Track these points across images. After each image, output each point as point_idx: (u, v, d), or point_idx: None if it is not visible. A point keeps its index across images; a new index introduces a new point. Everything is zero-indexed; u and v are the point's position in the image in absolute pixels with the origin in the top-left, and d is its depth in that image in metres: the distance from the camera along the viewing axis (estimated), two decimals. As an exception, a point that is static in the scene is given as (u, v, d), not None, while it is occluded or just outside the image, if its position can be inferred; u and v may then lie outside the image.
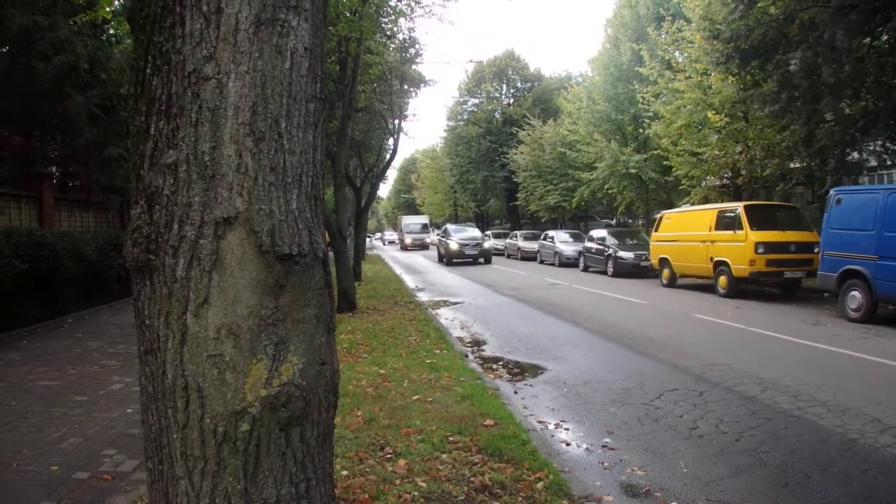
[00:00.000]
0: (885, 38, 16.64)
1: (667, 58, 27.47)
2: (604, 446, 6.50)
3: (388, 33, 20.70)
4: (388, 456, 5.76)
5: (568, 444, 6.61)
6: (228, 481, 2.26)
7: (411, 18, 22.39)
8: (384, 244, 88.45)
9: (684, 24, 24.98)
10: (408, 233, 63.50)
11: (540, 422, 7.30)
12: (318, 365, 2.40)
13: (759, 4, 18.40)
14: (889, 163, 19.65)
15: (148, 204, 2.30)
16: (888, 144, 18.13)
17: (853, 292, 13.39)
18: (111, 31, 17.73)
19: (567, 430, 7.08)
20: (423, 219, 69.90)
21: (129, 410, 7.23)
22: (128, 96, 2.42)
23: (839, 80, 15.88)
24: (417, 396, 7.75)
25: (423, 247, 60.48)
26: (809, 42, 15.28)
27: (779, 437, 6.62)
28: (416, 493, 4.91)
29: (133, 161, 2.40)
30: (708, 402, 7.90)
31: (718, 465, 5.92)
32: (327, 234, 17.58)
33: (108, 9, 6.92)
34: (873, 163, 20.12)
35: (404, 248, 62.31)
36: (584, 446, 6.56)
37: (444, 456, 5.77)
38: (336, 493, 4.65)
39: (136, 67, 2.38)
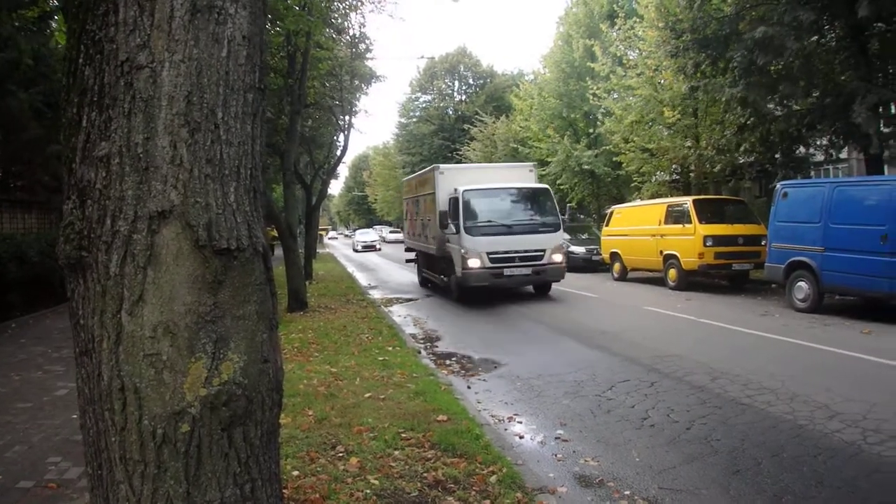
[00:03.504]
0: (832, 35, 17.08)
1: (618, 55, 27.76)
2: (557, 438, 6.53)
3: (339, 28, 20.58)
4: (340, 454, 5.70)
5: (521, 437, 6.62)
6: (170, 484, 2.19)
7: (361, 14, 22.31)
8: (357, 249, 53.68)
9: (637, 20, 25.29)
10: (485, 231, 16.74)
11: (493, 416, 7.30)
12: (261, 362, 2.34)
13: (712, 1, 18.75)
14: (834, 157, 20.10)
15: (80, 198, 2.23)
16: (834, 139, 18.53)
17: (800, 283, 13.66)
18: (55, 26, 17.33)
19: (520, 423, 7.10)
20: (525, 171, 19.67)
21: (75, 416, 7.03)
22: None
23: (790, 73, 16.29)
24: (370, 394, 7.69)
25: (541, 276, 17.42)
26: (771, 23, 15.49)
27: (729, 424, 6.71)
28: (368, 492, 4.86)
29: (65, 154, 2.32)
30: (659, 392, 7.98)
31: (670, 454, 5.98)
32: (276, 231, 17.42)
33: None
34: (820, 157, 20.56)
35: (463, 284, 16.94)
36: (538, 439, 6.58)
37: (396, 453, 5.73)
38: (286, 493, 4.58)
39: (69, 57, 2.30)
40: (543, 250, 16.77)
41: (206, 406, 2.19)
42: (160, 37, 2.16)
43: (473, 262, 16.32)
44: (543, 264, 16.77)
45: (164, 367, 2.15)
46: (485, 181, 17.83)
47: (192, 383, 2.17)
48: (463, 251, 16.39)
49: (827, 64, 17.14)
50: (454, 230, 16.76)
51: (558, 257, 17.04)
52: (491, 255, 16.41)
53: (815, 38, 16.56)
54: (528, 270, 16.68)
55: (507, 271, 16.50)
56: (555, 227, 17.24)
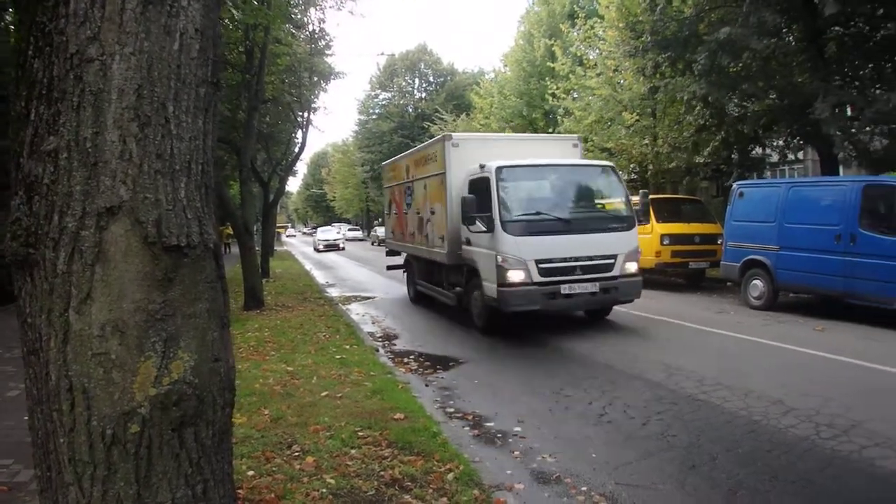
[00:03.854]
0: (790, 38, 17.40)
1: (579, 55, 27.95)
2: (515, 435, 6.54)
3: (298, 23, 20.42)
4: (296, 454, 5.65)
5: (479, 435, 6.62)
6: (120, 486, 2.16)
7: (321, 9, 22.15)
8: (318, 249, 49.10)
9: (597, 21, 25.48)
10: (532, 229, 11.31)
11: (450, 413, 7.30)
12: (212, 361, 2.31)
13: (673, 4, 18.96)
14: (790, 158, 20.47)
15: (27, 194, 2.18)
16: (790, 140, 18.85)
17: (755, 281, 13.90)
18: (10, 19, 16.96)
19: (478, 420, 7.09)
20: (567, 145, 13.97)
21: (27, 418, 6.87)
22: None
23: (749, 73, 16.57)
24: (326, 393, 7.64)
25: None
26: (736, 25, 15.71)
27: (685, 420, 6.79)
28: (324, 491, 4.83)
29: (13, 149, 2.27)
30: (616, 389, 8.04)
31: (627, 450, 6.03)
32: (231, 229, 17.23)
33: None
34: (775, 158, 20.91)
35: (499, 307, 11.28)
36: (496, 436, 6.58)
37: (353, 451, 5.70)
38: (241, 493, 4.54)
39: (19, 50, 2.27)
40: (614, 256, 11.46)
41: (157, 406, 2.16)
42: (111, 29, 2.12)
43: (516, 275, 10.88)
44: (614, 276, 11.46)
45: (113, 367, 2.12)
46: (516, 158, 11.90)
47: (141, 383, 2.13)
48: (499, 258, 10.92)
49: (784, 66, 17.44)
50: (483, 227, 11.28)
51: (633, 266, 11.78)
52: (542, 265, 10.97)
53: (774, 40, 16.85)
54: (593, 287, 11.28)
55: (564, 288, 11.06)
56: (628, 224, 11.91)
